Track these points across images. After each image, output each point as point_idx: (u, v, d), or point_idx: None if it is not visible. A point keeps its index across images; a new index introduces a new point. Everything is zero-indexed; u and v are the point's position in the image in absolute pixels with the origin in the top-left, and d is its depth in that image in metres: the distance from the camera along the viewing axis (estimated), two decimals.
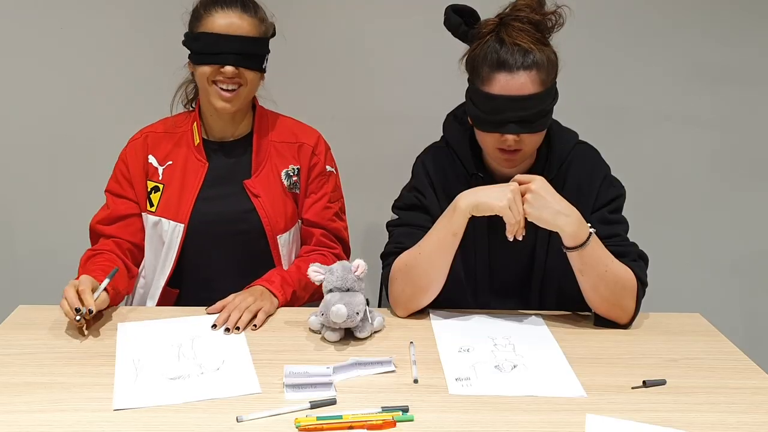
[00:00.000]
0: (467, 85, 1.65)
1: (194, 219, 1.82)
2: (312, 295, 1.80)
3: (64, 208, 2.54)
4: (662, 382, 1.40)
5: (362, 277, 1.57)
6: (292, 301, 1.75)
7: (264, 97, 1.92)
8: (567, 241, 1.57)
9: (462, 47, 1.66)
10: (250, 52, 1.75)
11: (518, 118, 1.56)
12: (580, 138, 1.76)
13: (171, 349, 1.49)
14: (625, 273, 1.60)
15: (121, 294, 1.72)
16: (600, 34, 2.45)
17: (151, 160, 1.85)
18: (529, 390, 1.36)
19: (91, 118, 2.49)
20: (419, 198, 1.74)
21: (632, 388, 1.38)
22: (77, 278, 1.60)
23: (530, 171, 1.67)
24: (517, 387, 1.37)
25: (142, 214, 1.86)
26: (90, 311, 1.50)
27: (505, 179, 1.62)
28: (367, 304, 1.56)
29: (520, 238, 1.58)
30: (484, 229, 1.69)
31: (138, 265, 1.87)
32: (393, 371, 1.42)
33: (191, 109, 1.92)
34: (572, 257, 1.59)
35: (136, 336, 1.55)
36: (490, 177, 1.71)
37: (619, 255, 1.61)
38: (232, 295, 1.66)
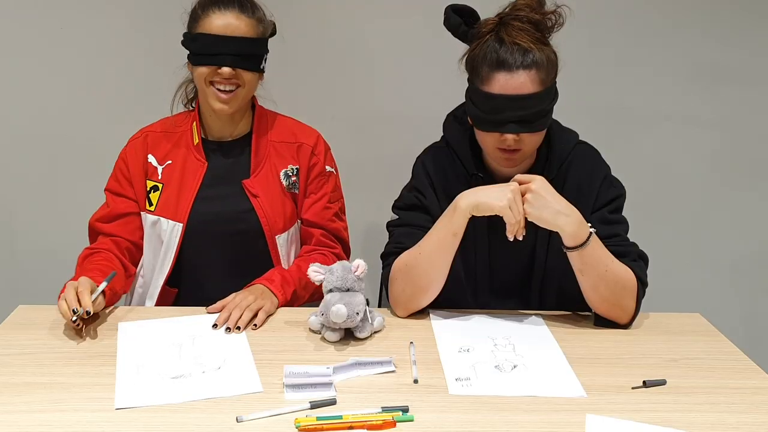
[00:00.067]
0: (467, 85, 1.64)
1: (193, 218, 1.82)
2: (312, 295, 1.80)
3: (64, 208, 2.53)
4: (662, 382, 1.40)
5: (362, 277, 1.57)
6: (292, 301, 1.75)
7: (264, 97, 1.92)
8: (567, 241, 1.56)
9: (462, 47, 1.66)
10: (248, 53, 1.75)
11: (518, 118, 1.55)
12: (580, 138, 1.76)
13: (172, 349, 1.49)
14: (625, 273, 1.60)
15: (118, 294, 1.72)
16: (600, 34, 2.45)
17: (151, 159, 1.85)
18: (529, 390, 1.36)
19: (91, 118, 2.49)
20: (419, 198, 1.74)
21: (632, 388, 1.38)
22: (75, 278, 1.61)
23: (530, 171, 1.67)
24: (517, 387, 1.37)
25: (141, 213, 1.86)
26: (87, 312, 1.50)
27: (505, 179, 1.62)
28: (367, 304, 1.56)
29: (521, 238, 1.58)
30: (484, 229, 1.69)
31: (136, 264, 1.87)
32: (393, 371, 1.42)
33: (191, 108, 1.92)
34: (572, 257, 1.58)
35: (137, 335, 1.55)
36: (490, 177, 1.70)
37: (619, 255, 1.61)
38: (232, 294, 1.66)
